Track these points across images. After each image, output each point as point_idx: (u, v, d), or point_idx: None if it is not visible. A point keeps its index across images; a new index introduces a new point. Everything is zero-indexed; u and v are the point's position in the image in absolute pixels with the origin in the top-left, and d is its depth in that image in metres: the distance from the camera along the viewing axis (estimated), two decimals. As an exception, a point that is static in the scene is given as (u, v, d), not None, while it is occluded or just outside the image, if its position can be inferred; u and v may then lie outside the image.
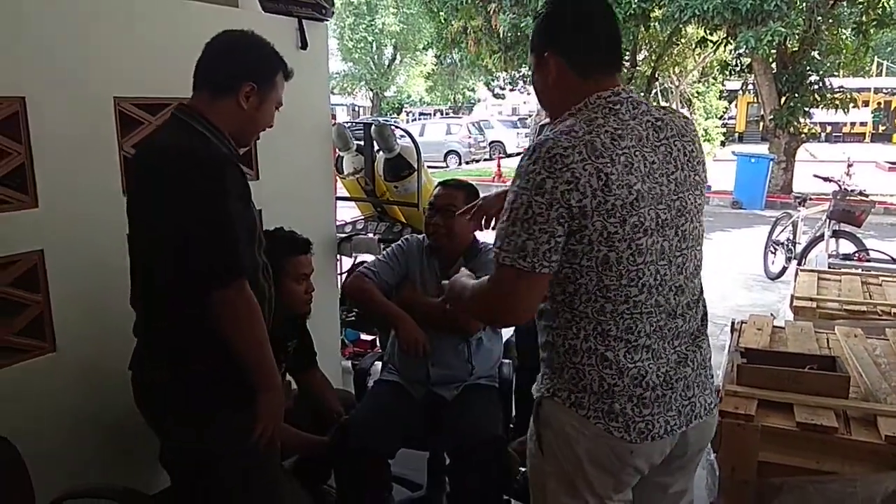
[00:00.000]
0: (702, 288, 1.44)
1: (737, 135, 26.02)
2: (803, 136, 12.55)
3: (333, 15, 2.98)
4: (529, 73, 2.65)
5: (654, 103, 1.60)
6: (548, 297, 1.37)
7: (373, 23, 26.72)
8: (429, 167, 4.16)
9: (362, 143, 3.83)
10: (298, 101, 2.91)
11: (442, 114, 30.92)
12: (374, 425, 2.23)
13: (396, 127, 3.98)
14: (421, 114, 31.10)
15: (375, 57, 29.03)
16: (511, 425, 2.50)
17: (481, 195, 1.98)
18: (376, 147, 3.76)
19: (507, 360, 2.57)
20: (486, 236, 2.66)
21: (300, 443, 2.24)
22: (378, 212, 4.00)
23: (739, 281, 6.80)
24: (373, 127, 3.73)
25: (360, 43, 27.58)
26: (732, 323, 2.86)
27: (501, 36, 12.65)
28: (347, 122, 4.36)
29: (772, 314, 3.59)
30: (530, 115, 22.03)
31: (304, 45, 2.85)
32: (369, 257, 3.87)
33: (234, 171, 1.56)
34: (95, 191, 2.06)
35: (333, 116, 4.02)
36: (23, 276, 1.92)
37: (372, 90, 30.86)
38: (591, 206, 1.23)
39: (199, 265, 1.47)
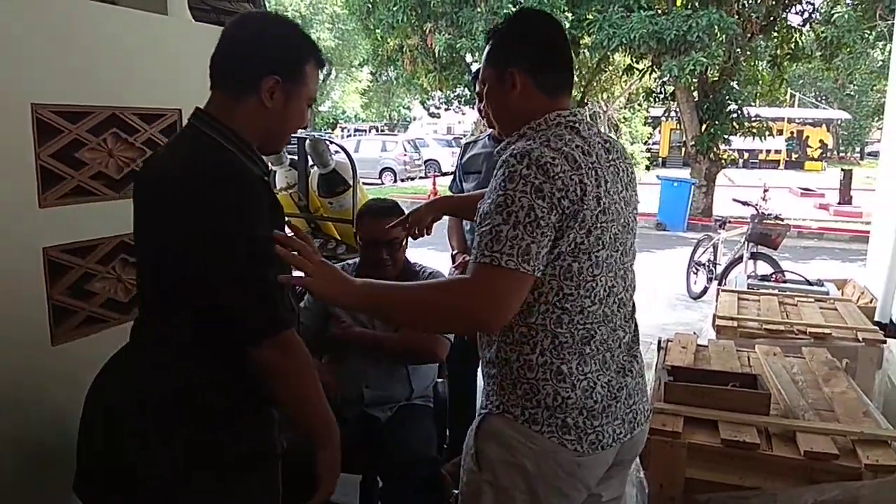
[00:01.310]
0: (634, 302, 1.51)
1: (660, 159, 27.02)
2: (723, 161, 13.19)
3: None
4: (477, 87, 2.70)
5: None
6: None
7: (307, 37, 26.46)
8: (364, 184, 4.12)
9: (296, 157, 3.76)
10: (230, 113, 2.84)
11: (377, 130, 30.88)
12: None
13: (331, 142, 3.93)
14: (356, 130, 30.95)
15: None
16: (445, 446, 2.48)
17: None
18: (310, 162, 3.71)
19: (441, 380, 2.55)
20: (416, 256, 2.66)
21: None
22: (312, 228, 3.93)
23: (663, 300, 7.02)
24: (307, 142, 3.67)
25: (294, 57, 27.24)
26: (659, 341, 2.94)
27: (437, 55, 12.77)
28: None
29: (695, 332, 3.71)
30: (465, 135, 22.26)
31: (237, 57, 2.78)
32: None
33: (266, 196, 1.37)
34: (7, 202, 1.93)
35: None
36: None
37: (306, 104, 30.47)
38: (573, 213, 1.28)
39: (235, 320, 1.28)
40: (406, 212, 2.47)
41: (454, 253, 2.86)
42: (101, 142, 2.27)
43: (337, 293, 1.32)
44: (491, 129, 2.87)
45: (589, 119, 1.47)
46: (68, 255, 2.10)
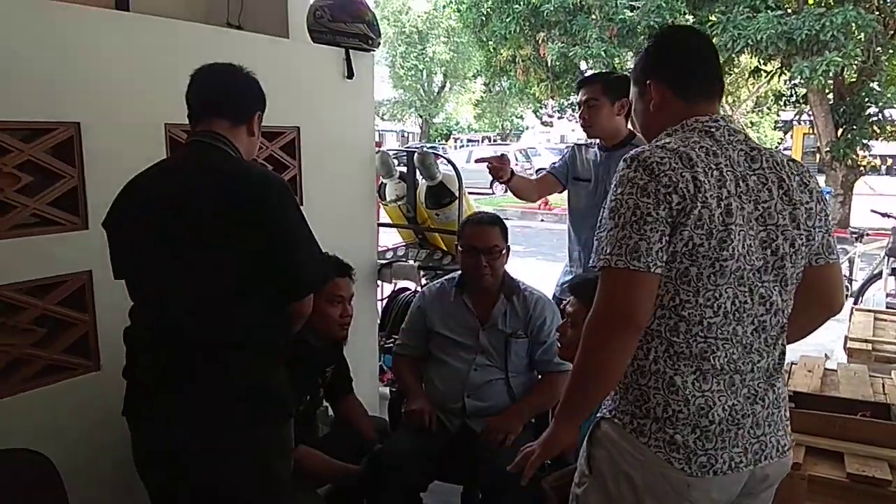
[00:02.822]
0: (783, 327, 1.39)
1: (792, 166, 25.36)
2: (861, 168, 12.20)
3: (379, 45, 3.03)
4: (580, 96, 2.71)
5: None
6: None
7: (424, 51, 27.16)
8: (475, 194, 4.17)
9: (405, 170, 3.86)
10: (344, 128, 2.96)
11: (490, 140, 31.07)
12: (406, 456, 2.21)
13: (439, 156, 4.00)
14: (469, 140, 31.32)
15: (425, 84, 29.47)
16: (548, 461, 2.45)
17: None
18: (418, 175, 3.79)
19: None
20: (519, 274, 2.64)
21: (332, 470, 2.22)
22: (419, 239, 4.01)
23: (792, 318, 6.56)
24: (415, 155, 3.76)
25: (410, 71, 28.03)
26: (781, 363, 2.76)
27: (549, 65, 12.70)
28: (392, 150, 4.41)
29: (826, 355, 3.44)
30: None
31: (350, 75, 2.90)
32: (410, 284, 3.89)
33: None
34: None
35: (378, 144, 4.06)
36: (71, 295, 1.98)
37: (421, 117, 31.26)
38: (686, 210, 1.24)
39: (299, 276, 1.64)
40: (507, 226, 2.50)
41: None
42: (226, 158, 2.44)
43: (562, 442, 1.45)
44: (596, 138, 2.85)
45: (735, 127, 1.40)
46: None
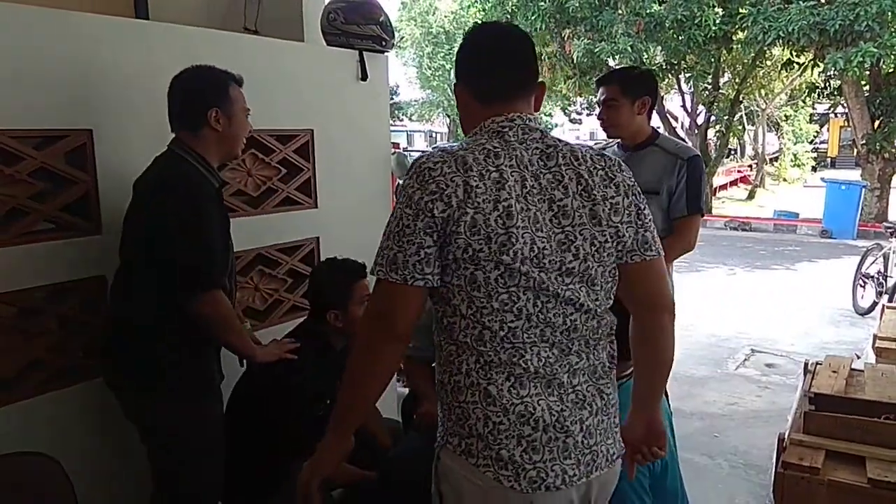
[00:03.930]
0: (609, 326, 1.34)
1: (829, 160, 24.77)
2: (900, 161, 11.84)
3: (393, 47, 3.03)
4: (600, 94, 2.65)
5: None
6: (434, 329, 1.35)
7: (451, 51, 27.14)
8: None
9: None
10: (358, 130, 2.97)
11: (518, 139, 30.89)
12: (418, 460, 2.19)
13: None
14: (497, 139, 31.20)
15: (453, 84, 29.47)
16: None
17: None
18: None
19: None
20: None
21: (346, 475, 2.23)
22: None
23: (825, 316, 6.41)
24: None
25: (438, 71, 28.02)
26: (805, 364, 2.69)
27: (576, 61, 12.59)
28: (413, 151, 4.40)
29: (856, 354, 3.36)
30: (608, 142, 21.77)
31: (364, 77, 2.91)
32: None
33: (214, 200, 1.87)
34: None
35: (396, 145, 4.06)
36: (86, 299, 2.01)
37: (449, 116, 31.20)
38: (454, 217, 1.21)
39: (183, 276, 1.77)
40: None
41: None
42: (241, 162, 2.46)
43: (336, 453, 1.36)
44: (617, 138, 2.80)
45: (532, 125, 1.33)
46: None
